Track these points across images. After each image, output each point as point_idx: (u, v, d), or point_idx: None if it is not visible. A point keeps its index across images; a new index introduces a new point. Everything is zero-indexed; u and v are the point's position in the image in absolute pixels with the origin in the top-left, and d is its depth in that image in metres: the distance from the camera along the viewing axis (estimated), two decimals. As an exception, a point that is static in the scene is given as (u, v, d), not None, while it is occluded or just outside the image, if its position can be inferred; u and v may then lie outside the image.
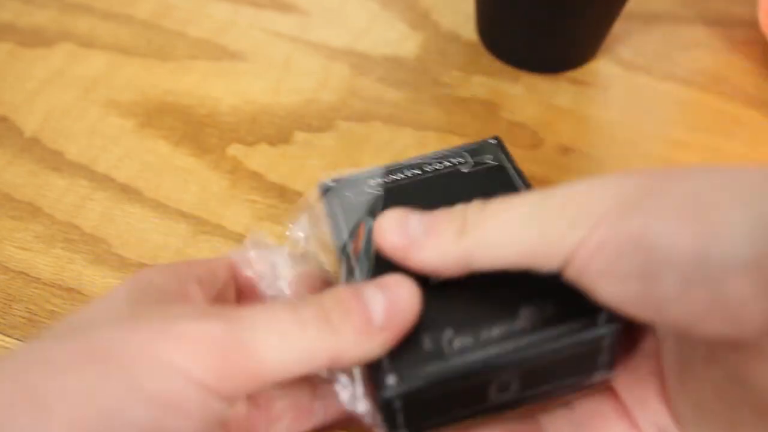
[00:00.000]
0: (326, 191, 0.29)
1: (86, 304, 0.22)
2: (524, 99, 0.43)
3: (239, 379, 0.19)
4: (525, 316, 0.23)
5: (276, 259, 0.25)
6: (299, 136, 0.41)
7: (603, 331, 0.22)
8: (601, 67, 0.45)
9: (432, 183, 0.28)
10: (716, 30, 0.47)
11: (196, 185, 0.38)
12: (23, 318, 0.33)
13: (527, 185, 0.28)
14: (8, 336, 0.33)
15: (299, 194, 0.38)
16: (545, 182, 0.39)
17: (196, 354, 0.18)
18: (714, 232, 0.17)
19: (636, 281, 0.19)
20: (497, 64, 0.45)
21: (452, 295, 0.24)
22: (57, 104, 0.42)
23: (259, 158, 0.40)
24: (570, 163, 0.40)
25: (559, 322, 0.23)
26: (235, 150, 0.40)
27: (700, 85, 0.44)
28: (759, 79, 0.44)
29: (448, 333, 0.23)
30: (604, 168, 0.40)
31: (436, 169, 0.29)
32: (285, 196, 0.38)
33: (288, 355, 0.19)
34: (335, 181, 0.29)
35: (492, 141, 0.31)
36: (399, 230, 0.22)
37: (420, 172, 0.29)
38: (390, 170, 0.29)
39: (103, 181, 0.39)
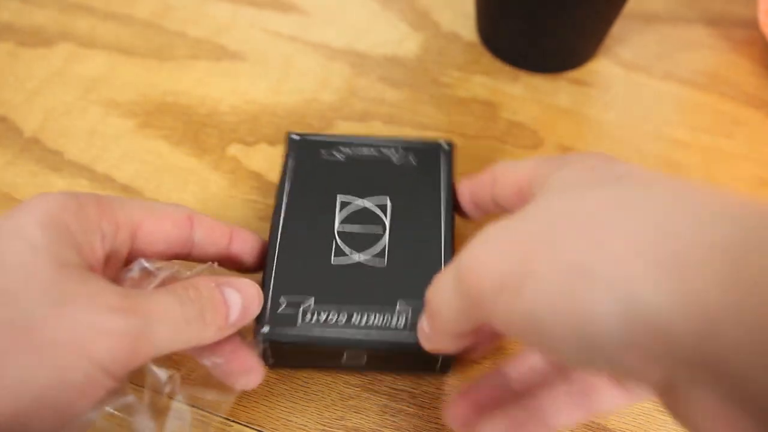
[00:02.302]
0: (292, 144, 0.34)
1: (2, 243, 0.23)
2: (524, 99, 0.43)
3: (134, 364, 0.23)
4: (387, 316, 0.29)
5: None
6: (299, 136, 0.41)
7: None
8: (601, 67, 0.45)
9: (375, 169, 0.33)
10: (716, 30, 0.47)
11: (196, 185, 0.38)
12: (23, 318, 0.33)
13: (449, 198, 0.33)
14: (8, 336, 0.33)
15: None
16: (545, 182, 0.39)
17: (111, 348, 0.22)
18: (588, 317, 0.17)
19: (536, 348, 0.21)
20: (497, 64, 0.45)
21: (342, 281, 0.30)
22: (57, 104, 0.42)
23: (259, 158, 0.40)
24: (570, 163, 0.40)
25: (409, 330, 0.28)
26: (235, 150, 0.40)
27: (700, 85, 0.44)
28: (759, 79, 0.44)
29: (326, 310, 0.29)
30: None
31: (384, 156, 0.34)
32: (285, 196, 0.38)
33: (173, 344, 0.25)
34: (301, 136, 0.35)
35: (445, 145, 0.35)
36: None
37: (370, 155, 0.34)
38: (350, 142, 0.34)
39: (103, 181, 0.39)
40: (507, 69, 0.44)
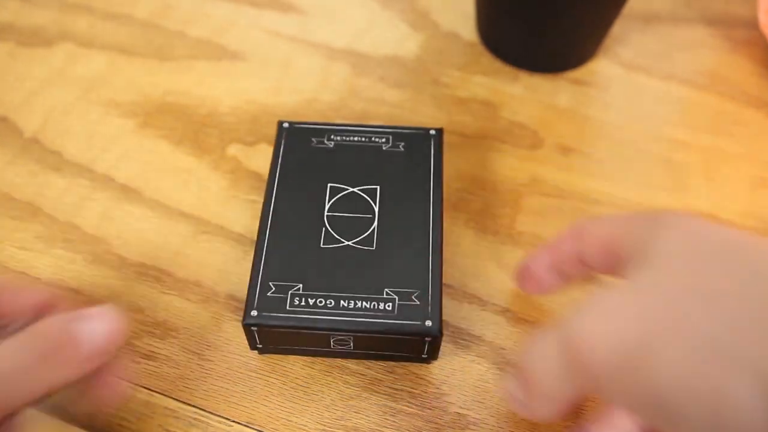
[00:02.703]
0: (282, 131, 0.35)
1: None
2: (524, 99, 0.43)
3: None
4: (375, 301, 0.29)
5: None
6: (299, 136, 0.41)
7: (427, 332, 0.29)
8: (601, 67, 0.45)
9: (364, 155, 0.34)
10: (716, 30, 0.47)
11: (196, 185, 0.38)
12: (23, 318, 0.33)
13: (439, 184, 0.33)
14: (8, 336, 0.33)
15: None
16: (545, 182, 0.39)
17: None
18: (726, 399, 0.17)
19: (656, 425, 0.20)
20: (497, 64, 0.45)
21: (331, 266, 0.30)
22: (57, 104, 0.42)
23: (259, 158, 0.40)
24: (570, 163, 0.40)
25: (398, 316, 0.29)
26: (235, 150, 0.40)
27: (700, 85, 0.44)
28: (759, 79, 0.44)
29: (314, 295, 0.30)
30: (604, 168, 0.40)
31: (373, 143, 0.35)
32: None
33: (22, 394, 0.23)
34: (291, 124, 0.35)
35: (433, 132, 0.35)
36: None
37: (359, 141, 0.35)
38: (340, 130, 0.35)
39: (103, 181, 0.39)
40: (507, 69, 0.44)
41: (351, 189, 0.33)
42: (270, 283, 0.30)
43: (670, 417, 0.18)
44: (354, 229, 0.31)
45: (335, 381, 0.32)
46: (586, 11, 0.41)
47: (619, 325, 0.19)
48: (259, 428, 0.30)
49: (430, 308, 0.29)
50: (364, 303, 0.29)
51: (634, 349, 0.19)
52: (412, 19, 0.47)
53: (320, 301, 0.29)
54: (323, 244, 0.31)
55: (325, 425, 0.30)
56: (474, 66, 0.45)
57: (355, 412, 0.31)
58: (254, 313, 0.29)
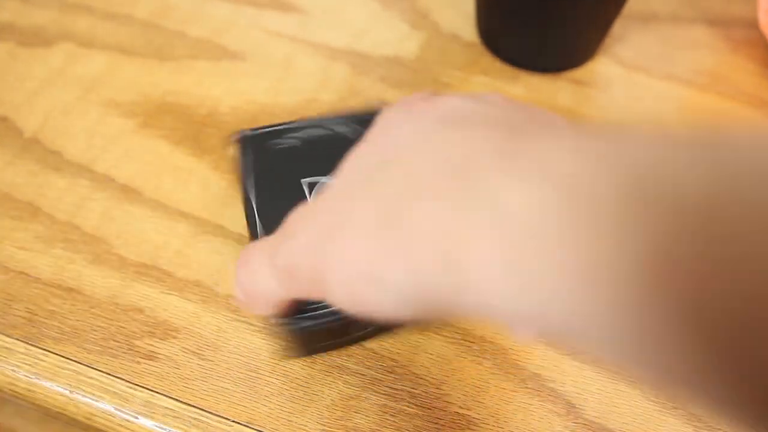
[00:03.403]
0: (243, 141, 0.34)
1: None
2: (524, 99, 0.43)
3: None
4: None
5: None
6: (299, 136, 0.41)
7: None
8: (601, 67, 0.45)
9: (329, 146, 0.34)
10: (716, 30, 0.47)
11: (196, 185, 0.38)
12: (23, 318, 0.33)
13: None
14: (8, 336, 0.33)
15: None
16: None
17: None
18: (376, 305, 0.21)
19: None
20: (497, 64, 0.45)
21: None
22: (57, 104, 0.42)
23: (259, 158, 0.40)
24: (570, 163, 0.40)
25: None
26: (235, 150, 0.40)
27: (700, 85, 0.44)
28: (759, 79, 0.44)
29: None
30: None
31: (334, 132, 0.34)
32: (285, 196, 0.38)
33: None
34: (249, 131, 0.34)
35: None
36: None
37: (320, 134, 0.34)
38: (298, 127, 0.35)
39: (103, 181, 0.39)
40: (507, 69, 0.44)
41: (327, 180, 0.32)
42: None
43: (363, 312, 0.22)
44: None
45: (335, 381, 0.32)
46: (586, 11, 0.41)
47: (305, 246, 0.23)
48: (259, 428, 0.30)
49: None
50: None
51: (315, 271, 0.22)
52: (412, 19, 0.47)
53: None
54: None
55: (325, 425, 0.31)
56: (474, 66, 0.45)
57: (355, 412, 0.31)
58: (280, 321, 0.28)
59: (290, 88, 0.43)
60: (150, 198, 0.38)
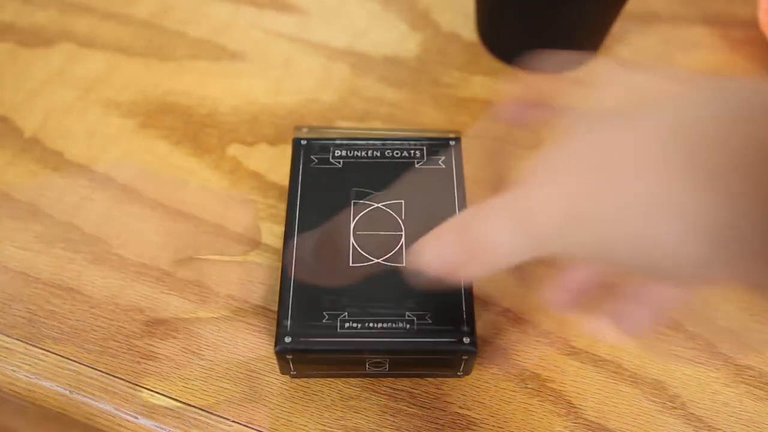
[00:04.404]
0: (298, 147, 0.34)
1: None
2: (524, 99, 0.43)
3: None
4: (409, 320, 0.29)
5: None
6: (299, 136, 0.41)
7: (465, 350, 0.28)
8: (601, 67, 0.45)
9: (385, 169, 0.33)
10: (716, 30, 0.47)
11: (196, 185, 0.38)
12: (23, 318, 0.33)
13: (462, 192, 0.33)
14: (8, 336, 0.33)
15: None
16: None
17: None
18: (654, 239, 0.21)
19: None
20: (497, 64, 0.45)
21: (363, 286, 0.29)
22: (57, 104, 0.42)
23: (259, 158, 0.40)
24: (570, 163, 0.40)
25: (432, 334, 0.28)
26: (235, 150, 0.40)
27: (700, 85, 0.44)
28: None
29: (347, 317, 0.29)
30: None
31: (393, 156, 0.34)
32: (285, 196, 0.38)
33: None
34: (307, 140, 0.34)
35: (451, 141, 0.35)
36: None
37: (379, 155, 0.34)
38: (355, 142, 0.34)
39: (103, 181, 0.39)
40: (507, 69, 0.44)
41: (375, 204, 0.32)
42: (301, 308, 0.29)
43: (614, 261, 0.22)
44: (382, 245, 0.31)
45: (335, 381, 0.32)
46: (586, 11, 0.41)
47: (563, 193, 0.22)
48: (259, 428, 0.30)
49: (465, 325, 0.29)
50: (398, 321, 0.29)
51: (578, 213, 0.22)
52: (412, 19, 0.47)
53: (354, 323, 0.29)
54: (352, 264, 0.30)
55: (325, 425, 0.31)
56: (474, 66, 0.45)
57: (355, 412, 0.31)
58: (288, 339, 0.28)
59: (290, 88, 0.43)
60: (150, 198, 0.38)
